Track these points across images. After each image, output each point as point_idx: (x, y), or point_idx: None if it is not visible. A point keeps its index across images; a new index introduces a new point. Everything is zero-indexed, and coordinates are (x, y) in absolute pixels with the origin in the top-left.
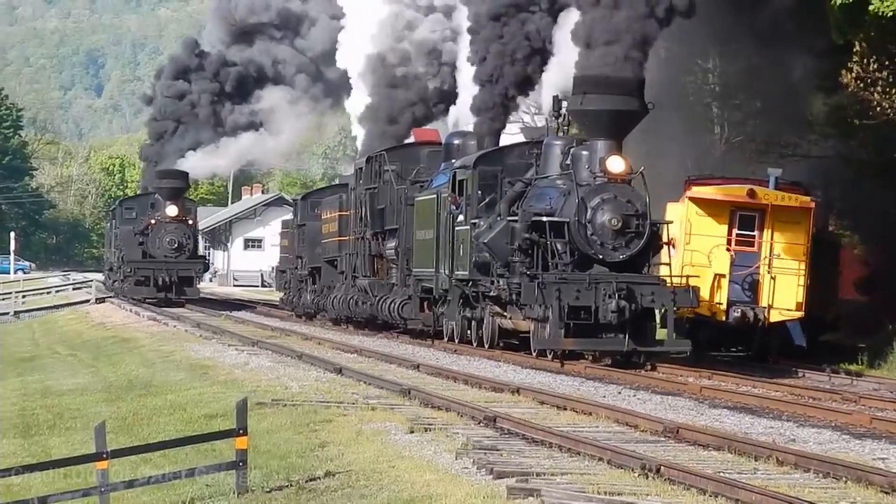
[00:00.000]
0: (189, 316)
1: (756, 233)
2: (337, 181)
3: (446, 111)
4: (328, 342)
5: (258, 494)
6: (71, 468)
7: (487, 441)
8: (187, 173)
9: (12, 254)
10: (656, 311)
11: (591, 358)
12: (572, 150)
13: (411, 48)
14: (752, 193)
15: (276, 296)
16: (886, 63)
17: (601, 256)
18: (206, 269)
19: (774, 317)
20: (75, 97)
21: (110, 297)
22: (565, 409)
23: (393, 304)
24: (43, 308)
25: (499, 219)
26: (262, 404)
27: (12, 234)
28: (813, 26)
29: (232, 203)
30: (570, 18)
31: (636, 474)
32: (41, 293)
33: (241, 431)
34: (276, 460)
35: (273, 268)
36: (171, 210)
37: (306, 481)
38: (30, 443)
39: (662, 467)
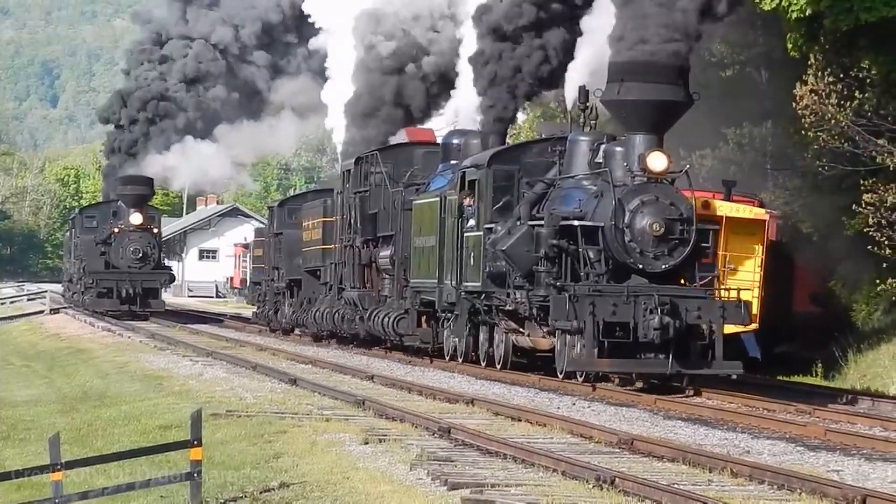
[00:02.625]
0: (143, 327)
1: (710, 245)
2: (313, 186)
3: (442, 97)
4: (283, 353)
5: None
6: (25, 479)
7: (442, 452)
8: (152, 179)
9: None
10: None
11: (618, 381)
12: (603, 146)
13: (403, 27)
14: (706, 205)
15: (239, 308)
16: (841, 76)
17: (640, 266)
18: (172, 280)
19: (729, 328)
20: (30, 108)
21: (65, 307)
22: (520, 420)
23: (387, 319)
24: None
25: (518, 223)
26: (216, 415)
27: None
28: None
29: (187, 213)
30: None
31: (591, 486)
32: None
33: (195, 443)
34: (231, 471)
35: (228, 279)
36: (136, 218)
37: (261, 492)
38: None
39: (617, 479)
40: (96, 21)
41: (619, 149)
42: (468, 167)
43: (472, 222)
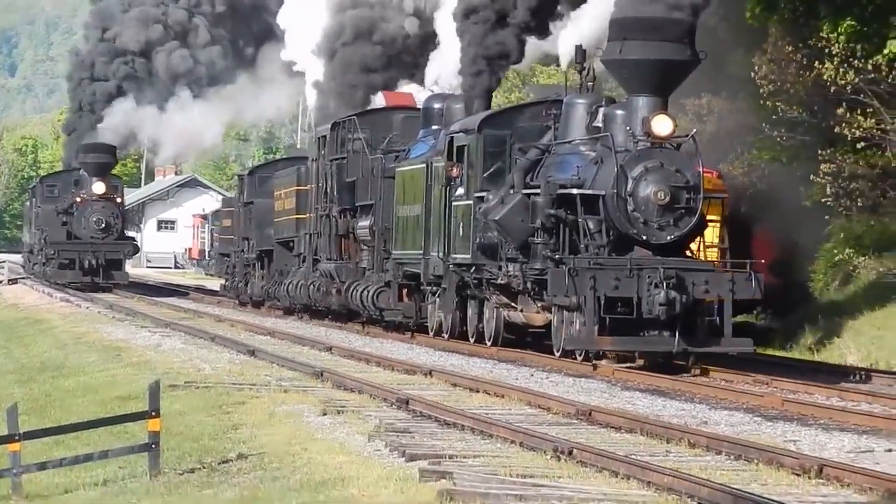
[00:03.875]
0: (102, 298)
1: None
2: (280, 156)
3: (419, 62)
4: (241, 324)
5: (171, 476)
6: None
7: (400, 423)
8: (115, 147)
9: None
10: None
11: (615, 358)
12: (602, 109)
13: None
14: None
15: (199, 279)
16: (800, 45)
17: (644, 237)
18: (136, 251)
19: None
20: None
21: (24, 278)
22: (478, 391)
23: (366, 292)
24: None
25: (511, 192)
26: (174, 386)
27: None
28: None
29: (145, 184)
30: None
31: (549, 457)
32: None
33: (153, 413)
34: (189, 442)
35: (186, 250)
36: (98, 187)
37: (219, 463)
38: None
39: (575, 450)
40: None
41: (620, 112)
42: (456, 132)
43: (460, 191)
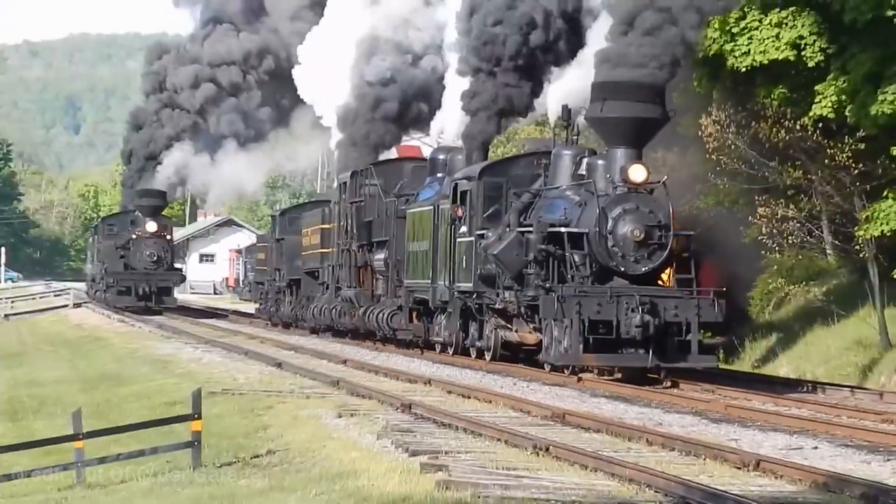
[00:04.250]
0: (152, 319)
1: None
2: (302, 200)
3: (427, 117)
4: (270, 341)
5: (210, 469)
6: (52, 447)
7: (404, 425)
8: (165, 192)
9: (2, 266)
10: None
11: (596, 372)
12: (586, 159)
13: (392, 58)
14: None
15: (234, 304)
16: (740, 109)
17: (622, 269)
18: (183, 280)
19: None
20: (56, 135)
21: (86, 302)
22: (469, 397)
23: (381, 315)
24: (29, 312)
25: (508, 230)
26: (213, 393)
27: (2, 249)
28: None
29: (189, 223)
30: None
31: (529, 453)
32: (27, 299)
33: (196, 416)
34: (226, 440)
35: (224, 279)
36: (151, 226)
37: (251, 458)
38: (17, 426)
39: (551, 447)
40: (112, 62)
41: (600, 162)
42: (460, 179)
43: (463, 229)
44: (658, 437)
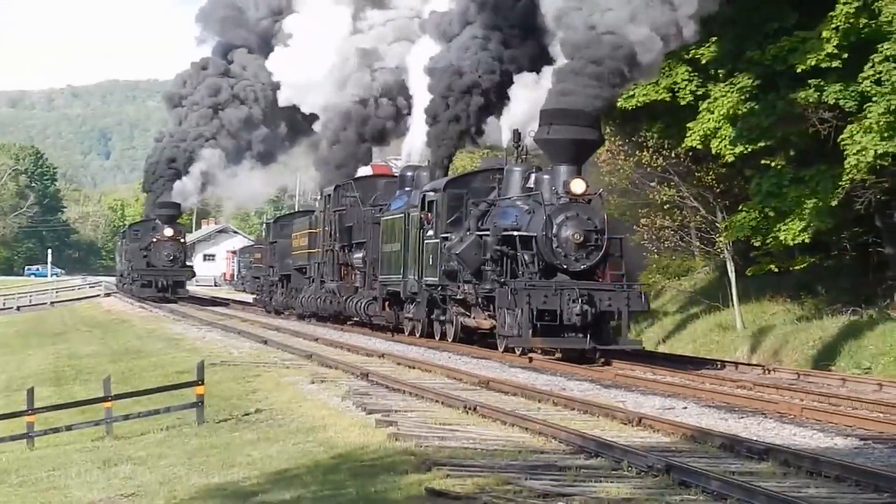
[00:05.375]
0: (167, 306)
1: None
2: (285, 211)
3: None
4: (258, 323)
5: (211, 424)
6: (87, 406)
7: (362, 389)
8: (180, 203)
9: (49, 263)
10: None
11: (540, 352)
12: (533, 174)
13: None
14: None
15: (230, 294)
16: (627, 139)
17: (565, 266)
18: (194, 275)
19: None
20: (91, 160)
21: (115, 293)
22: (414, 367)
23: (359, 304)
24: (70, 300)
25: (468, 233)
26: (214, 364)
27: (49, 251)
28: None
29: (195, 230)
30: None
31: (461, 411)
32: (68, 290)
33: (199, 382)
34: (223, 401)
35: (222, 274)
36: (168, 231)
37: (243, 415)
38: (60, 390)
39: (478, 406)
40: (136, 102)
41: (546, 176)
42: (428, 191)
43: (430, 232)
44: (562, 399)
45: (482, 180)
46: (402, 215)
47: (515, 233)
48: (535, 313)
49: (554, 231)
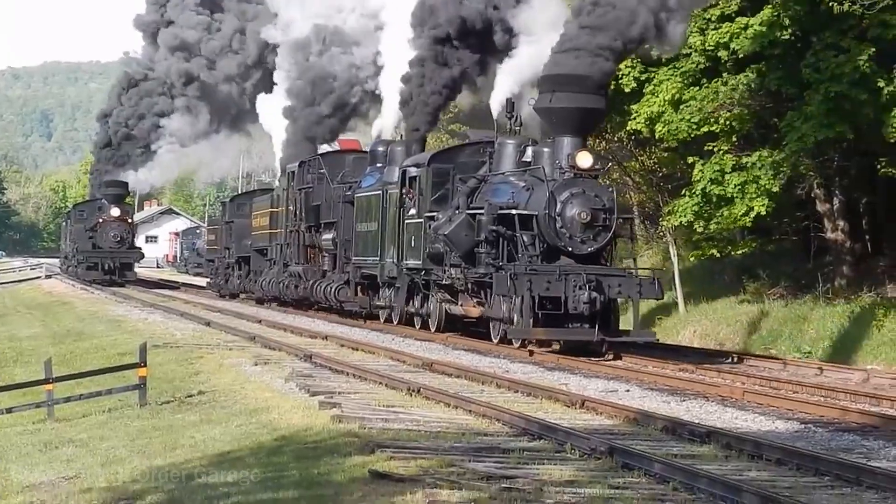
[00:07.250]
0: (109, 288)
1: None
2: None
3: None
4: (201, 305)
5: (154, 406)
6: (28, 389)
7: (306, 371)
8: (127, 182)
9: None
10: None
11: (536, 343)
12: (531, 147)
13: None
14: None
15: (173, 275)
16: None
17: (570, 249)
18: (142, 257)
19: None
20: (33, 141)
21: (57, 275)
22: (358, 349)
23: (329, 288)
24: (10, 282)
25: (457, 212)
26: (156, 346)
27: None
28: None
29: (137, 212)
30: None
31: (404, 393)
32: (8, 272)
33: (142, 364)
34: (165, 383)
35: (164, 256)
36: (115, 211)
37: (186, 397)
38: (0, 372)
39: (421, 388)
40: (78, 83)
41: (546, 149)
42: (409, 166)
43: (412, 211)
44: (505, 382)
45: (470, 154)
46: (380, 192)
47: (514, 211)
48: (536, 301)
49: (557, 209)
